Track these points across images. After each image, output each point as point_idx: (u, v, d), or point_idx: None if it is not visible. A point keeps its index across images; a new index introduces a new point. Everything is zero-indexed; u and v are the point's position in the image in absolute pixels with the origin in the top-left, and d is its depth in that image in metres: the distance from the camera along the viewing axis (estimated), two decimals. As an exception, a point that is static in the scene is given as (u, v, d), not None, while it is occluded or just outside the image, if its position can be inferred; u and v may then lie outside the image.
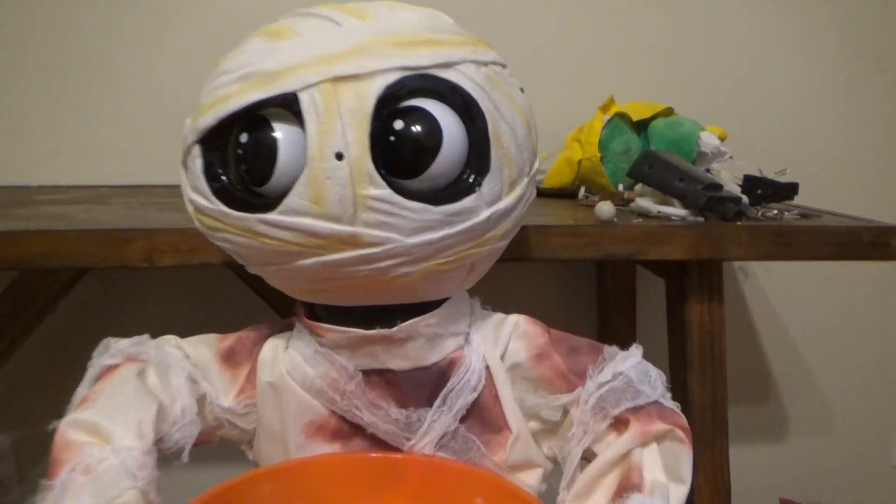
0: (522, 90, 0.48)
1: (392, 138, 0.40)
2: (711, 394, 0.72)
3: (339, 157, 0.39)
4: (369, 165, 0.39)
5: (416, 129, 0.41)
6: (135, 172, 0.93)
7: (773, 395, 1.15)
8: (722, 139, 0.82)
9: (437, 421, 0.48)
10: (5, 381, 0.78)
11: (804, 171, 0.83)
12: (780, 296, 1.12)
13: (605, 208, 0.65)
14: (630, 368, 0.48)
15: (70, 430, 0.44)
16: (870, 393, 1.16)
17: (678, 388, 0.71)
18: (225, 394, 0.52)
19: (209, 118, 0.42)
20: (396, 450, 0.50)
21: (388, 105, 0.40)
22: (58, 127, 0.93)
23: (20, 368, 0.90)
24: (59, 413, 0.98)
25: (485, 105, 0.42)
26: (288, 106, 0.40)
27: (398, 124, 0.40)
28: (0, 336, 0.73)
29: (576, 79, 0.99)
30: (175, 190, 0.88)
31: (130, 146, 0.94)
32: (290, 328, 0.53)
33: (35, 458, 0.99)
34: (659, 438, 0.45)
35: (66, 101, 0.92)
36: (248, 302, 0.79)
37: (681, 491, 0.45)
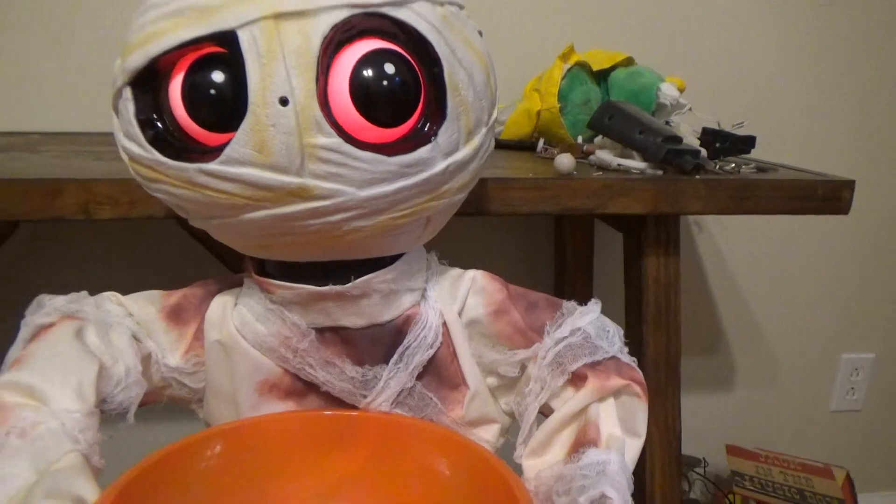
0: (481, 34, 0.46)
1: (341, 83, 0.38)
2: (665, 347, 0.73)
3: (284, 102, 0.36)
4: (317, 112, 0.37)
5: (367, 73, 0.38)
6: (70, 118, 0.87)
7: (721, 347, 1.18)
8: (681, 90, 0.81)
9: (394, 378, 0.47)
10: None
11: (760, 124, 0.83)
12: (730, 250, 1.13)
13: (565, 161, 0.64)
14: (588, 324, 0.47)
15: (3, 392, 0.41)
16: (811, 344, 1.21)
17: (633, 341, 0.71)
18: (171, 352, 0.49)
19: (138, 57, 0.38)
20: (352, 407, 0.49)
21: (336, 46, 0.38)
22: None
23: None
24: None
25: (441, 49, 0.40)
26: (226, 45, 0.37)
27: (348, 68, 0.38)
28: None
29: (535, 25, 0.96)
30: (107, 137, 0.83)
31: (65, 89, 0.88)
32: (239, 284, 0.51)
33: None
34: (616, 393, 0.45)
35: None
36: (196, 257, 0.76)
37: (636, 444, 0.45)
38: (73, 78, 0.87)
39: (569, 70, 0.82)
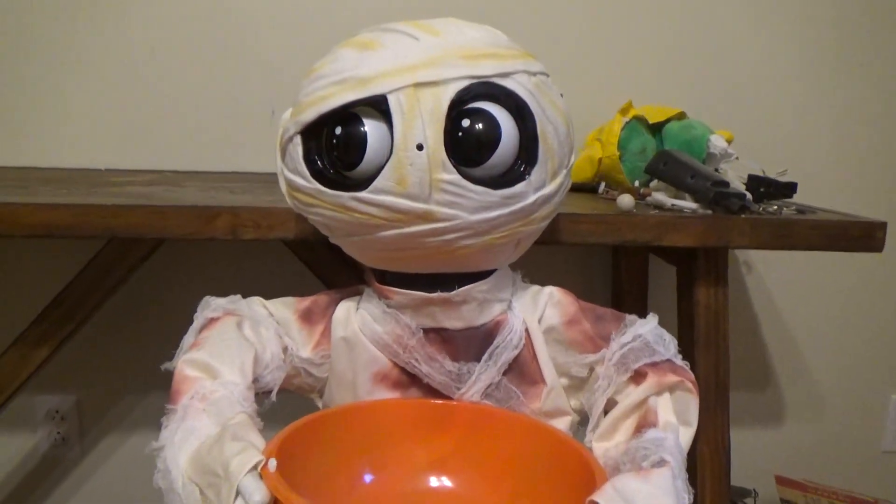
0: (562, 95, 0.57)
1: (461, 133, 0.50)
2: (715, 368, 0.81)
3: (420, 147, 0.48)
4: (443, 155, 0.49)
5: (480, 126, 0.50)
6: (188, 158, 1.03)
7: (772, 383, 1.23)
8: (729, 142, 0.89)
9: (484, 373, 0.58)
10: (71, 343, 0.87)
11: (802, 171, 0.92)
12: (780, 289, 1.19)
13: (626, 200, 0.74)
14: (648, 332, 0.57)
15: (186, 367, 0.54)
16: (860, 383, 1.24)
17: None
18: (303, 347, 0.61)
19: (310, 114, 0.51)
20: (448, 398, 0.59)
21: (458, 106, 0.49)
22: (117, 114, 1.02)
23: (86, 332, 1.00)
24: (120, 376, 1.08)
25: (534, 108, 0.52)
26: (376, 105, 0.49)
27: (466, 122, 0.50)
28: (84, 301, 0.83)
29: (597, 84, 1.08)
30: (232, 175, 0.97)
31: (185, 134, 1.03)
32: (356, 294, 0.63)
33: (96, 416, 1.09)
34: (671, 388, 0.54)
35: (118, 92, 1.01)
36: (297, 276, 0.88)
37: (689, 433, 0.54)
38: (192, 124, 1.02)
39: (627, 123, 0.91)
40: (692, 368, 0.81)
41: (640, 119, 0.93)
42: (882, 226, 0.74)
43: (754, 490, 1.17)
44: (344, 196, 0.51)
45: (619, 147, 0.90)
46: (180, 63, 1.01)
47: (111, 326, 1.05)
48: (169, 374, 0.53)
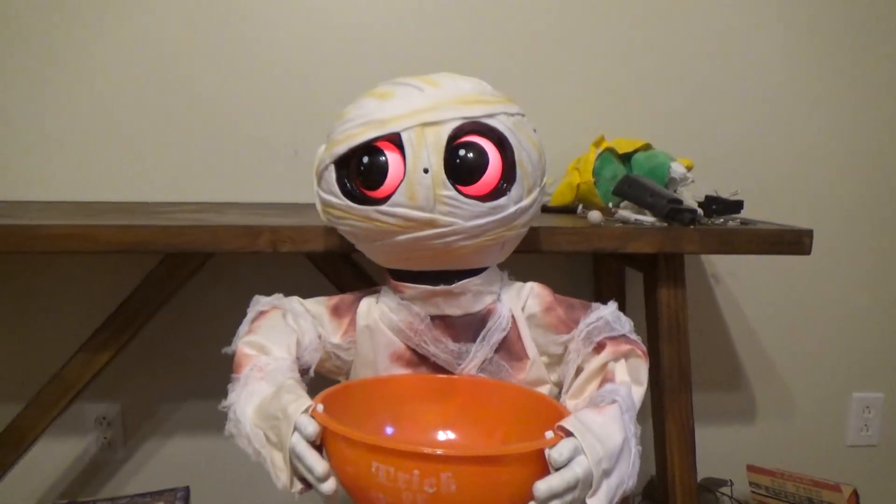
0: (535, 130, 0.73)
1: (457, 160, 0.65)
2: (677, 356, 0.95)
3: (426, 171, 0.64)
4: (443, 176, 0.64)
5: (471, 155, 0.66)
6: (224, 192, 1.19)
7: (743, 383, 1.35)
8: (689, 168, 1.04)
9: (480, 352, 0.72)
10: (118, 355, 0.99)
11: (750, 190, 1.06)
12: (748, 297, 1.32)
13: (595, 215, 0.89)
14: (608, 314, 0.72)
15: (244, 347, 0.69)
16: (823, 383, 1.36)
17: (653, 353, 0.93)
18: (334, 334, 0.75)
19: (342, 148, 0.67)
20: (451, 373, 0.73)
21: (454, 140, 0.65)
22: (166, 153, 1.18)
23: (130, 345, 1.13)
24: (162, 385, 1.22)
25: (512, 141, 0.67)
26: (392, 140, 0.65)
27: (460, 152, 0.65)
28: (141, 310, 0.97)
29: (575, 122, 1.24)
30: (262, 205, 1.12)
31: (221, 170, 1.19)
32: (376, 292, 0.78)
33: (138, 422, 1.22)
34: (626, 356, 0.69)
35: (165, 133, 1.18)
36: (315, 283, 1.01)
37: (640, 390, 0.68)
38: (217, 160, 1.19)
39: (600, 154, 1.06)
40: (658, 358, 0.96)
41: (611, 150, 1.07)
42: (808, 233, 0.89)
43: (730, 480, 1.30)
44: (369, 209, 0.66)
45: (594, 174, 1.04)
46: (216, 111, 1.18)
47: (152, 341, 1.19)
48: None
